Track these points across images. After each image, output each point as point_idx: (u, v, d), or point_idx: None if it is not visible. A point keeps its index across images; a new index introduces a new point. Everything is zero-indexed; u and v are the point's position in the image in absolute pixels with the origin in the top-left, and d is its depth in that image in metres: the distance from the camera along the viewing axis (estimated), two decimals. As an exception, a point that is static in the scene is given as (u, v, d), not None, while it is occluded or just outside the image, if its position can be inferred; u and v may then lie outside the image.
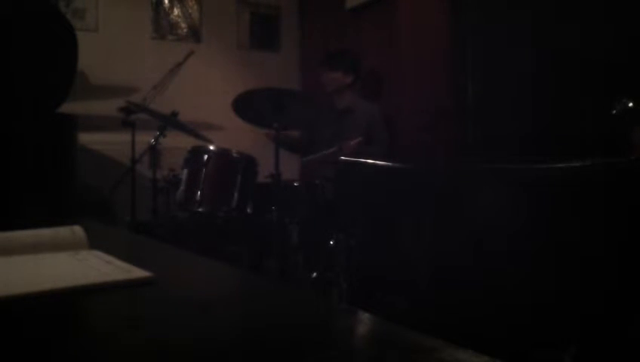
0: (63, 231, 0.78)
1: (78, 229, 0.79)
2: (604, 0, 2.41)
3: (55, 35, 1.26)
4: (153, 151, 2.97)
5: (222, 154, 2.73)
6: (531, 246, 1.25)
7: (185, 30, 3.97)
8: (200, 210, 2.67)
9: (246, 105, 2.75)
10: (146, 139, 2.96)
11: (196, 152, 2.73)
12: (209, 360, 0.45)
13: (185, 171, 2.73)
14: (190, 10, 3.99)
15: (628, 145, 1.51)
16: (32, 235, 0.76)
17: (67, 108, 1.34)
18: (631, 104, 1.59)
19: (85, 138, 2.66)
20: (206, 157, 2.68)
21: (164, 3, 3.90)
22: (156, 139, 2.94)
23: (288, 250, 2.67)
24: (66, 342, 0.49)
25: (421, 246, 1.48)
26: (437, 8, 3.18)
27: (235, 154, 2.74)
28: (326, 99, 3.32)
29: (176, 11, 3.94)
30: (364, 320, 0.54)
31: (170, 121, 2.96)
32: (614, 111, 1.62)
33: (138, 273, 0.65)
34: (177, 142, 3.08)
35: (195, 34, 3.99)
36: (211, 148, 2.73)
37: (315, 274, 2.53)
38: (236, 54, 4.15)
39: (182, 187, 2.71)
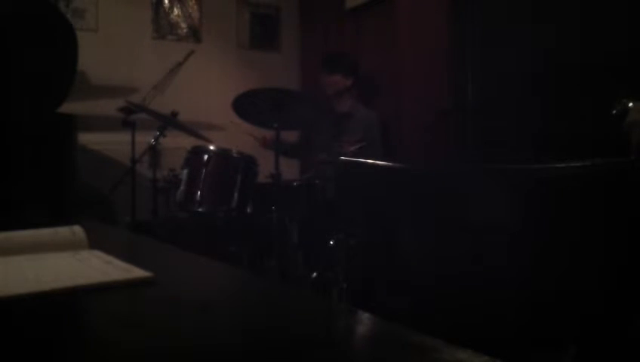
0: (62, 231, 0.78)
1: (78, 229, 0.79)
2: (604, 0, 2.41)
3: (55, 35, 1.26)
4: (153, 151, 2.97)
5: (222, 154, 2.73)
6: (531, 246, 1.25)
7: (185, 30, 3.96)
8: (200, 210, 2.67)
9: (246, 105, 2.75)
10: (146, 139, 2.96)
11: (196, 152, 2.73)
12: (209, 360, 0.45)
13: (185, 171, 2.73)
14: (190, 10, 3.99)
15: (628, 145, 1.51)
16: (32, 235, 0.76)
17: (67, 108, 1.34)
18: (631, 104, 1.59)
19: (85, 138, 2.67)
20: (206, 157, 2.68)
21: (164, 3, 3.90)
22: (156, 139, 2.94)
23: (288, 250, 2.67)
24: (66, 342, 0.49)
25: (421, 246, 1.48)
26: (437, 8, 3.17)
27: (235, 154, 2.74)
28: (326, 100, 3.32)
29: (176, 11, 3.94)
30: (364, 320, 0.54)
31: (170, 121, 2.96)
32: (614, 112, 1.62)
33: (138, 273, 0.65)
34: (177, 142, 3.08)
35: (195, 34, 3.99)
36: (211, 148, 2.73)
37: (315, 274, 2.53)
38: (236, 54, 4.15)
39: (182, 187, 2.70)
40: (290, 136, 3.47)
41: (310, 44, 4.30)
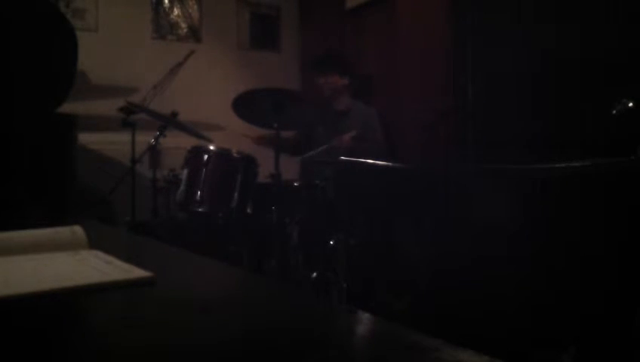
0: (62, 231, 0.78)
1: (78, 229, 0.79)
2: (604, 0, 2.41)
3: (55, 35, 1.26)
4: (153, 151, 2.97)
5: (222, 154, 2.73)
6: (531, 246, 1.25)
7: (185, 30, 3.96)
8: (200, 210, 2.67)
9: (246, 105, 2.75)
10: (146, 139, 2.96)
11: (196, 152, 2.73)
12: (209, 360, 0.45)
13: (185, 171, 2.72)
14: (190, 10, 3.99)
15: None
16: (32, 235, 0.76)
17: (67, 108, 1.34)
18: (631, 104, 1.60)
19: (85, 138, 2.66)
20: (206, 157, 2.68)
21: (164, 3, 3.90)
22: (156, 139, 2.94)
23: (288, 250, 2.66)
24: (66, 341, 0.49)
25: (421, 246, 1.48)
26: (437, 8, 3.17)
27: (235, 154, 2.73)
28: (323, 100, 3.32)
29: (176, 11, 3.94)
30: (364, 320, 0.54)
31: (170, 121, 2.96)
32: (614, 112, 1.63)
33: (138, 273, 0.65)
34: (177, 142, 3.08)
35: (195, 34, 3.99)
36: (211, 148, 2.73)
37: (315, 274, 2.52)
38: (236, 54, 4.15)
39: (182, 187, 2.70)
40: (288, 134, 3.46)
41: (310, 44, 4.30)
